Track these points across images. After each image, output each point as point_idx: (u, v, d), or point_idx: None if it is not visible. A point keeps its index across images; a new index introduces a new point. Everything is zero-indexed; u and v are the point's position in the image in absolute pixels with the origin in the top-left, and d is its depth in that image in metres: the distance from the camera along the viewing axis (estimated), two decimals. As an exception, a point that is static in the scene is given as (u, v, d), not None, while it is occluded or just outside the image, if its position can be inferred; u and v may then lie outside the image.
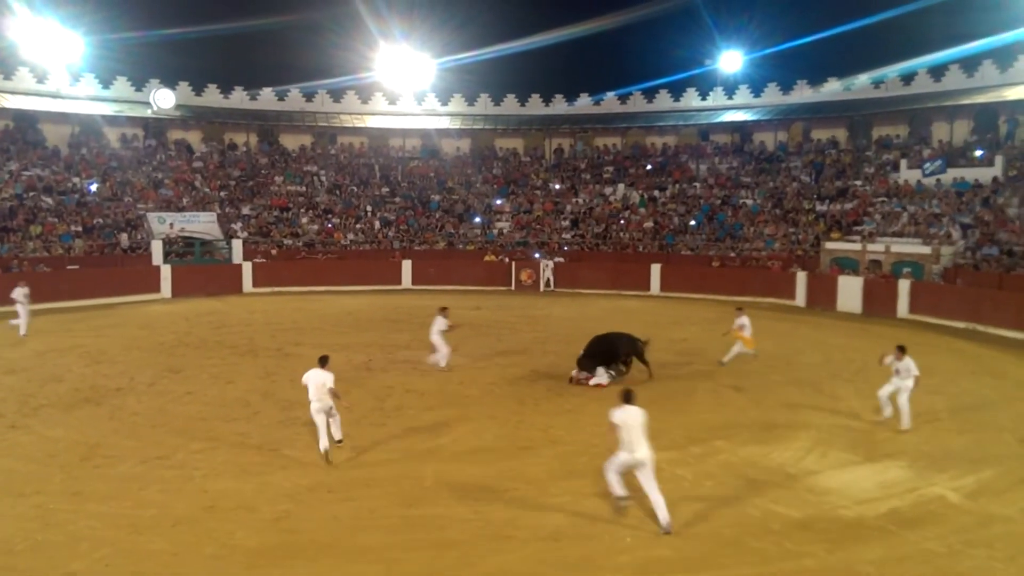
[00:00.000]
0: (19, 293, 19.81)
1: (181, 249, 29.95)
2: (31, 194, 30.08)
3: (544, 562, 8.09)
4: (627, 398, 8.88)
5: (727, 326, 17.33)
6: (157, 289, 28.05)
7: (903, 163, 30.84)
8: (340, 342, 16.20)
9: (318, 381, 10.66)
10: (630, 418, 8.64)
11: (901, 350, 12.45)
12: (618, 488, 8.98)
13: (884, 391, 12.65)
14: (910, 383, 12.29)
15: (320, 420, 10.75)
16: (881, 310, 24.62)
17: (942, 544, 8.43)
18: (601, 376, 15.22)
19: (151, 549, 8.23)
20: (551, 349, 18.84)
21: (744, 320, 16.82)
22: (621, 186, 36.54)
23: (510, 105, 39.58)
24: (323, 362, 10.87)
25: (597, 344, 15.47)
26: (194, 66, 36.45)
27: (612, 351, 15.44)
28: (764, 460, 11.10)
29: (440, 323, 16.05)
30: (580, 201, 36.36)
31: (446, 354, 16.25)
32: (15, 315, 19.91)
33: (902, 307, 24.40)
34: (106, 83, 34.66)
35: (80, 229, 29.53)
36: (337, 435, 11.10)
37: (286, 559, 8.10)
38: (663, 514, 8.61)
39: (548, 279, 31.02)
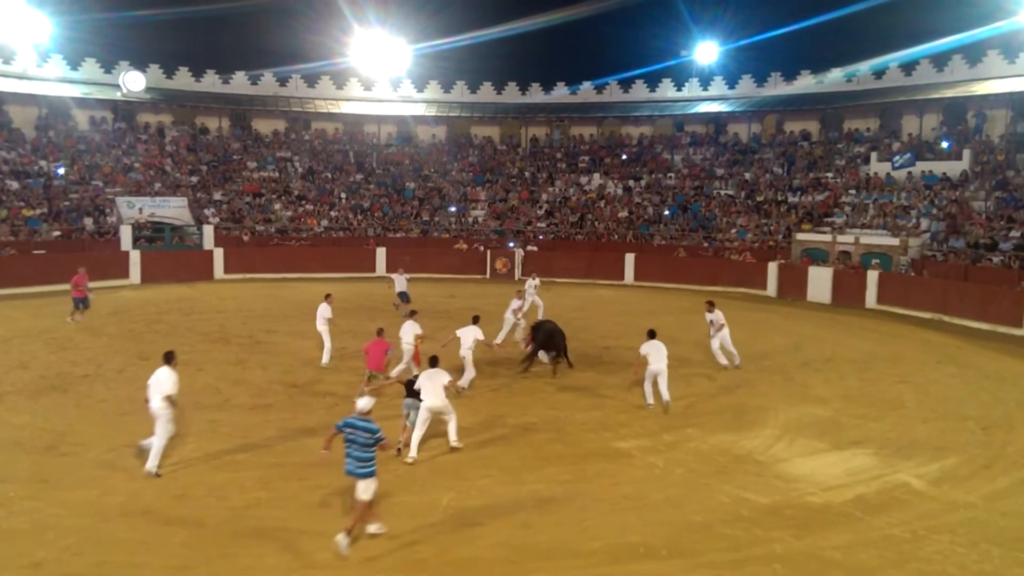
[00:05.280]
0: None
1: (151, 234, 29.51)
2: (-4, 177, 29.43)
3: (516, 549, 8.13)
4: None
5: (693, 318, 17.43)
6: (126, 275, 27.60)
7: (873, 156, 31.22)
8: (312, 329, 16.13)
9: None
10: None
11: None
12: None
13: None
14: None
15: None
16: (850, 300, 24.97)
17: (906, 530, 8.61)
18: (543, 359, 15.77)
19: (119, 537, 8.14)
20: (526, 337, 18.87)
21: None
22: (597, 176, 36.62)
23: (486, 93, 39.36)
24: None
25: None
26: (165, 48, 35.83)
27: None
28: (734, 447, 11.24)
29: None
30: (556, 190, 36.38)
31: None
32: None
33: (870, 298, 24.75)
34: (74, 64, 33.87)
35: (46, 212, 28.96)
36: None
37: (257, 546, 8.05)
38: None
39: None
